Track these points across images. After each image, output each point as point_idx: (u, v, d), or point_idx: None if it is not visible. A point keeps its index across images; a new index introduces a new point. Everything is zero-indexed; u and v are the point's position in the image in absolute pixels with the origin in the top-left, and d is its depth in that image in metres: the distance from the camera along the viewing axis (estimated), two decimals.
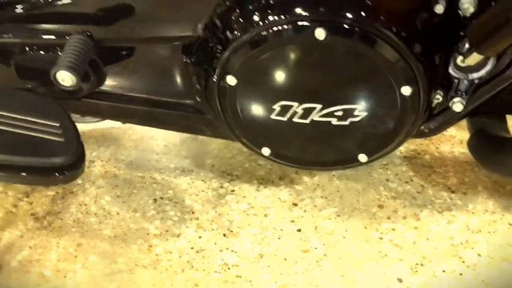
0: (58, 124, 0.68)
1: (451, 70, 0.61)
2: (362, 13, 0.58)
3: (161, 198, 0.89)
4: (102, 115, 0.82)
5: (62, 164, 0.66)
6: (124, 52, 0.73)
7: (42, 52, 0.72)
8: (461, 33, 0.61)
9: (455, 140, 0.98)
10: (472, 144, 0.77)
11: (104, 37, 0.67)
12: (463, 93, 0.62)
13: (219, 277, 0.76)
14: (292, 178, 0.89)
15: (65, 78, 0.63)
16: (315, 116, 0.64)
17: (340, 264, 0.77)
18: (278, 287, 0.74)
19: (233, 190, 0.90)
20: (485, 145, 0.76)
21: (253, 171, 0.92)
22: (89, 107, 0.76)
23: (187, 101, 0.75)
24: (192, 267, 0.77)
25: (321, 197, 0.89)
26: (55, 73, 0.63)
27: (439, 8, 0.58)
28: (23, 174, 0.67)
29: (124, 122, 0.91)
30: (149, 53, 0.74)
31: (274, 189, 0.90)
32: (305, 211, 0.85)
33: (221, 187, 0.90)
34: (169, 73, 0.73)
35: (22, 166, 0.67)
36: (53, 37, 0.70)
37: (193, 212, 0.85)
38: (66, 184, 0.82)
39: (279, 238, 0.81)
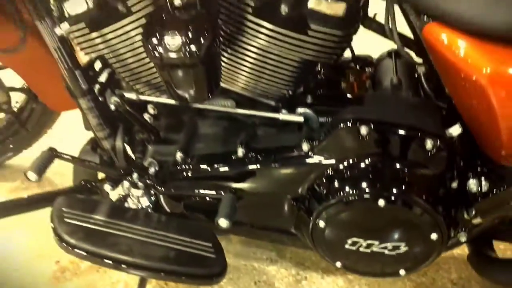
0: (210, 244, 0.89)
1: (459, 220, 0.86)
2: (405, 189, 0.78)
3: (259, 281, 1.09)
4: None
5: (214, 273, 0.86)
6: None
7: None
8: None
9: None
10: (471, 260, 0.98)
11: (242, 193, 0.90)
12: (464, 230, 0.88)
13: None
14: None
15: (222, 224, 0.84)
16: (374, 248, 0.85)
17: None
18: None
19: (306, 277, 1.09)
20: (480, 263, 0.96)
21: (318, 263, 1.12)
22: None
23: (286, 227, 0.95)
24: None
25: (365, 284, 1.08)
26: (218, 220, 0.84)
27: (454, 185, 0.83)
28: (185, 279, 0.89)
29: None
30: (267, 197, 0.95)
31: (334, 277, 1.11)
32: None
33: (298, 274, 1.10)
34: (278, 208, 0.92)
35: (185, 273, 0.88)
36: (213, 192, 0.91)
37: None
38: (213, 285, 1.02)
39: None
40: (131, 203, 1.06)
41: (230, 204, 0.90)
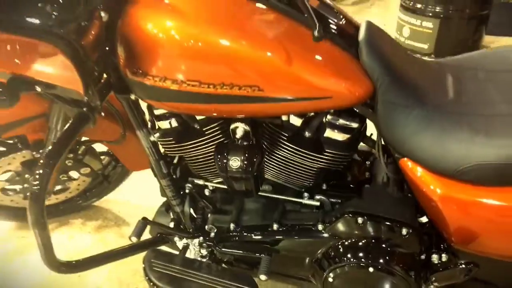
0: None
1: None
2: (387, 260, 1.14)
3: None
4: None
5: None
6: None
7: None
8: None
9: None
10: None
11: (276, 255, 1.28)
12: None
13: None
14: None
15: (262, 278, 1.23)
16: None
17: None
18: None
19: None
20: None
21: None
22: None
23: (306, 276, 1.32)
24: None
25: None
26: (259, 275, 1.22)
27: (422, 257, 1.19)
28: None
29: None
30: (293, 257, 1.31)
31: None
32: None
33: None
34: (301, 264, 1.29)
35: None
36: (255, 253, 1.29)
37: None
38: None
39: None
40: (193, 253, 1.46)
41: (267, 263, 1.29)
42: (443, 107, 1.06)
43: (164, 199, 1.49)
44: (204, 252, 1.44)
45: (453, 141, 1.01)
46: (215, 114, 1.10)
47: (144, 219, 1.42)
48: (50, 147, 1.07)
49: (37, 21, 0.86)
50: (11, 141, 1.57)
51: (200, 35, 0.96)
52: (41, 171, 1.05)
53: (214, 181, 1.38)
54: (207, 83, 0.99)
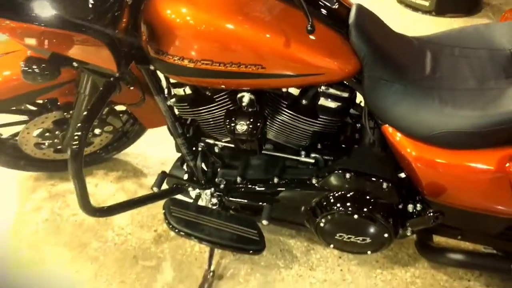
0: (256, 232, 1.48)
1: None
2: (370, 209, 1.35)
3: (283, 249, 1.68)
4: None
5: (258, 249, 1.46)
6: None
7: None
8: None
9: None
10: (417, 246, 1.56)
11: (276, 203, 1.48)
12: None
13: None
14: None
15: (264, 223, 1.46)
16: (352, 239, 1.47)
17: None
18: None
19: (313, 248, 1.68)
20: (422, 248, 1.54)
21: None
22: None
23: (301, 221, 1.52)
24: None
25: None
26: (261, 220, 1.43)
27: (400, 207, 1.38)
28: (242, 252, 1.49)
29: None
30: (291, 205, 1.51)
31: (331, 249, 1.68)
32: None
33: (308, 245, 1.70)
34: (298, 211, 1.50)
35: (242, 248, 1.48)
36: (259, 202, 1.50)
37: None
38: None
39: None
40: (204, 201, 1.67)
41: (268, 211, 1.50)
42: (419, 81, 1.23)
43: (179, 154, 1.68)
44: (214, 200, 1.64)
45: (426, 112, 1.18)
46: (223, 86, 1.27)
47: (163, 172, 1.62)
48: (85, 113, 1.25)
49: (80, 18, 1.02)
50: (43, 103, 1.76)
51: (212, 21, 1.11)
52: (79, 133, 1.24)
53: (223, 140, 1.56)
54: (218, 62, 1.15)
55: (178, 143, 1.57)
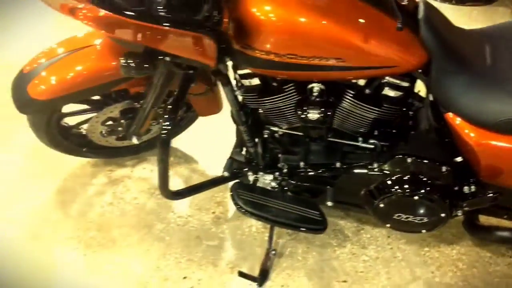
0: (318, 213, 1.58)
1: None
2: (429, 191, 1.45)
3: (335, 229, 1.79)
4: None
5: (321, 228, 1.56)
6: None
7: None
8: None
9: None
10: (464, 225, 1.65)
11: (338, 187, 1.58)
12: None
13: None
14: None
15: (329, 204, 1.55)
16: (409, 219, 1.54)
17: None
18: None
19: (363, 228, 1.79)
20: (469, 227, 1.63)
21: (370, 219, 1.80)
22: None
23: (359, 203, 1.62)
24: None
25: (399, 233, 1.77)
26: (326, 202, 1.53)
27: (456, 189, 1.49)
28: (305, 230, 1.60)
29: None
30: (351, 189, 1.61)
31: (380, 228, 1.79)
32: None
33: (358, 226, 1.80)
34: (357, 194, 1.60)
35: (306, 227, 1.58)
36: (322, 186, 1.60)
37: None
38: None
39: None
40: (261, 184, 1.77)
41: (332, 193, 1.60)
42: (483, 72, 1.32)
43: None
44: (273, 184, 1.74)
45: (491, 101, 1.27)
46: (304, 78, 1.37)
47: (231, 158, 1.72)
48: (170, 106, 1.36)
49: (195, 18, 1.11)
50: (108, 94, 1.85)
51: (298, 20, 1.20)
52: (167, 123, 1.34)
53: (284, 128, 1.65)
54: (302, 56, 1.24)
55: (241, 130, 1.66)
